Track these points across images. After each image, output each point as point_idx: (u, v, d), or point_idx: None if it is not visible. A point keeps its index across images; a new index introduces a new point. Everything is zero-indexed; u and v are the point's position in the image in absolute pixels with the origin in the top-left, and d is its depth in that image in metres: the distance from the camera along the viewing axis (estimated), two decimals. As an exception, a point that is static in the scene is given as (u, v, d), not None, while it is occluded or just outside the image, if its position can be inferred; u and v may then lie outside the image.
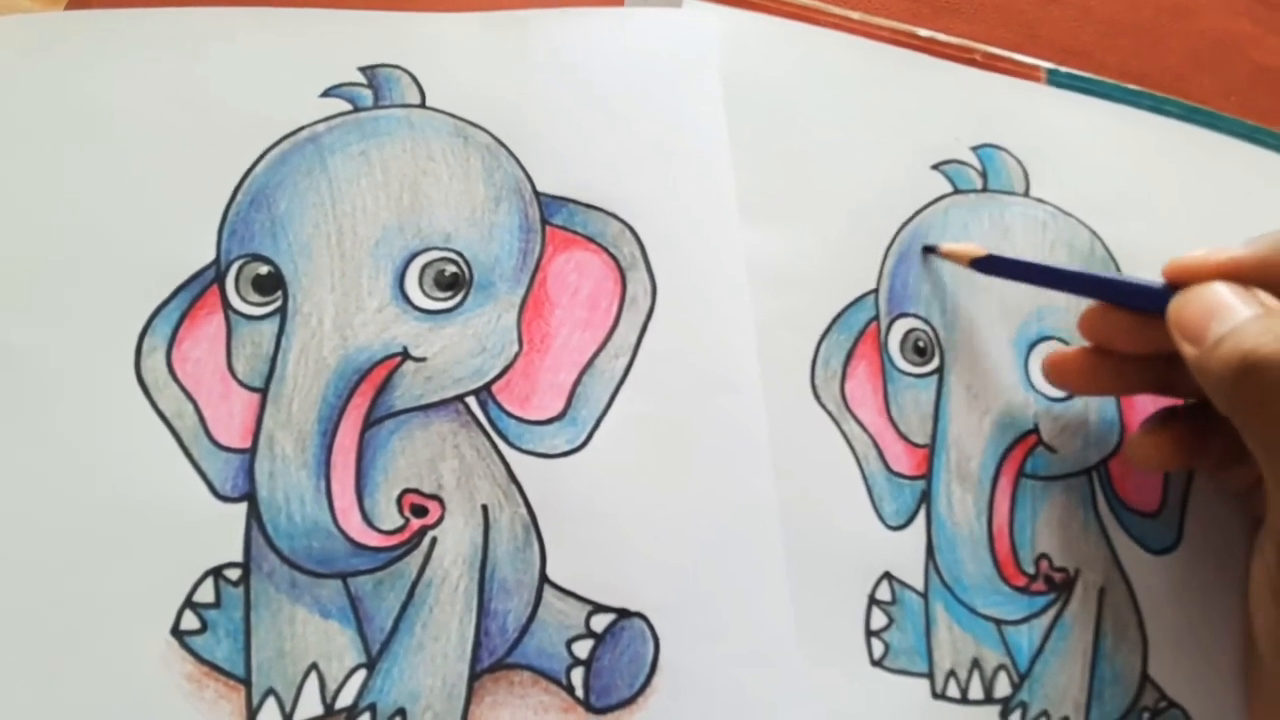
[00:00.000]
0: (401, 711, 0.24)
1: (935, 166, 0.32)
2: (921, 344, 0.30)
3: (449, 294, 0.27)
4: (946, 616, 0.28)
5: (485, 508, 0.26)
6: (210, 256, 0.27)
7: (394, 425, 0.26)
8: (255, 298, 0.26)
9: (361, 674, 0.24)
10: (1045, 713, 0.27)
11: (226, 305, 0.26)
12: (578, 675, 0.25)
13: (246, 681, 0.23)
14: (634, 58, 0.31)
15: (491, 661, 0.25)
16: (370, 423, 0.26)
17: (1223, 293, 0.24)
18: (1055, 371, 0.29)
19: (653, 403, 0.27)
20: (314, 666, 0.24)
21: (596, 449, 0.26)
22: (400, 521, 0.25)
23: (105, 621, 0.23)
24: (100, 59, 0.28)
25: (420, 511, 0.25)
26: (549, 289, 0.28)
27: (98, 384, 0.25)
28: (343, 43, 0.29)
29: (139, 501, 0.24)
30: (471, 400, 0.27)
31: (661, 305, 0.28)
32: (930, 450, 0.29)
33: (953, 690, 0.27)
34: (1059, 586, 0.29)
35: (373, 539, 0.25)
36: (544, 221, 0.29)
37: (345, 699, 0.24)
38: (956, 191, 0.32)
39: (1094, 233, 0.33)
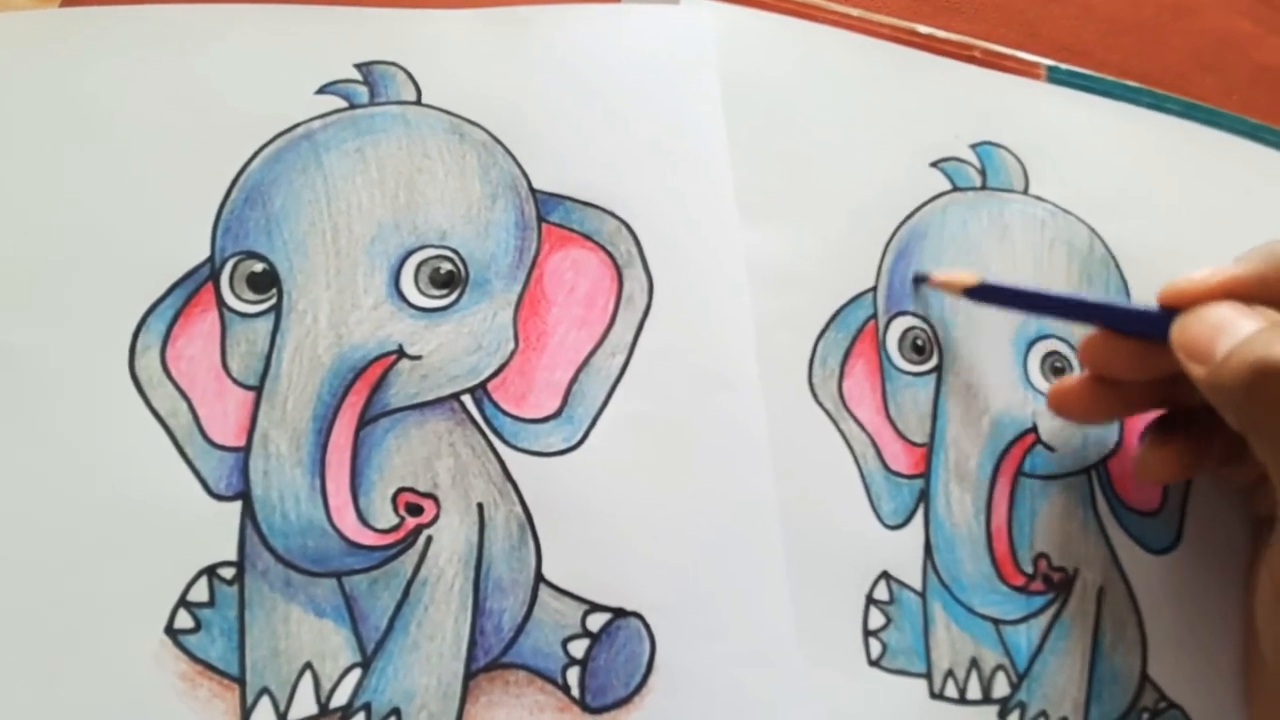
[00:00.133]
0: (396, 711, 0.24)
1: (934, 164, 0.32)
2: (920, 342, 0.30)
3: (444, 292, 0.27)
4: (944, 616, 0.27)
5: (481, 506, 0.26)
6: (205, 254, 0.26)
7: (389, 424, 0.26)
8: (250, 295, 0.26)
9: (356, 673, 0.24)
10: (1044, 713, 0.27)
11: (221, 303, 0.26)
12: (573, 675, 0.25)
13: (241, 681, 0.23)
14: (631, 55, 0.31)
15: (487, 661, 0.24)
16: (365, 421, 0.26)
17: (1226, 311, 0.24)
18: (1059, 403, 0.28)
19: (649, 401, 0.27)
20: (308, 666, 0.24)
21: (593, 448, 0.26)
22: (395, 520, 0.25)
23: (99, 620, 0.23)
24: (94, 56, 0.28)
25: (415, 510, 0.25)
26: (545, 287, 0.28)
27: (92, 382, 0.25)
28: (338, 39, 0.29)
29: (133, 500, 0.24)
30: (467, 398, 0.26)
31: (658, 303, 0.28)
32: (928, 449, 0.29)
33: (951, 690, 0.27)
34: (1058, 586, 0.29)
35: (367, 538, 0.25)
36: (540, 219, 0.28)
37: (340, 698, 0.24)
38: (956, 189, 0.32)
39: (1093, 230, 0.33)
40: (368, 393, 0.26)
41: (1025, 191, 0.33)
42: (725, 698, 0.25)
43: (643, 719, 0.25)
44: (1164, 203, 0.34)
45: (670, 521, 0.26)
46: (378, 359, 0.26)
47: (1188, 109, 0.36)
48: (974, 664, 0.27)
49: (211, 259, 0.26)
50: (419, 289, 0.27)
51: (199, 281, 0.26)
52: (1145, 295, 0.32)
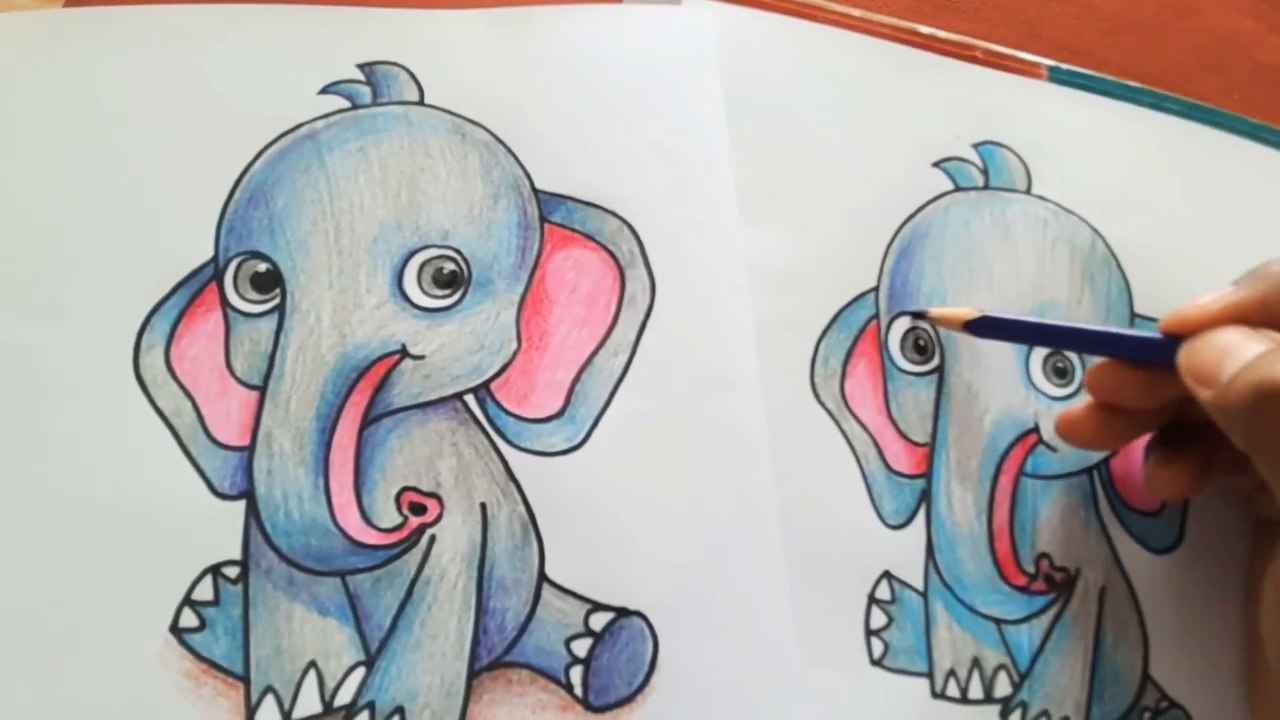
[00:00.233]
0: (400, 709, 0.24)
1: (936, 164, 0.32)
2: (922, 342, 0.30)
3: (447, 291, 0.27)
4: (946, 616, 0.27)
5: (484, 506, 0.26)
6: (208, 254, 0.27)
7: (392, 423, 0.26)
8: (253, 295, 0.26)
9: (360, 672, 0.24)
10: (1045, 712, 0.27)
11: (225, 303, 0.26)
12: (576, 674, 0.25)
13: (245, 679, 0.23)
14: (633, 55, 0.31)
15: (490, 660, 0.25)
16: (368, 420, 0.26)
17: (1232, 335, 0.24)
18: (1067, 431, 0.28)
19: (651, 401, 0.27)
20: (312, 664, 0.24)
21: (595, 447, 0.26)
22: (398, 519, 0.25)
23: (104, 619, 0.23)
24: (98, 57, 0.28)
25: (418, 509, 0.25)
26: (548, 286, 0.28)
27: (96, 382, 0.25)
28: (341, 40, 0.29)
29: (137, 499, 0.24)
30: (470, 398, 0.26)
31: (660, 303, 0.28)
32: (930, 449, 0.29)
33: (952, 690, 0.27)
34: (1059, 586, 0.29)
35: (371, 537, 0.25)
36: (542, 219, 0.28)
37: (344, 697, 0.24)
38: (958, 189, 0.32)
39: (1095, 230, 0.33)
40: (371, 392, 0.26)
41: (1028, 191, 0.33)
42: (726, 697, 0.25)
43: (645, 718, 0.25)
44: (1165, 202, 0.34)
45: (672, 521, 0.26)
46: (381, 359, 0.26)
47: (1189, 109, 0.36)
48: (976, 663, 0.27)
49: (215, 259, 0.27)
50: (422, 289, 0.27)
51: (203, 281, 0.26)
52: (1147, 294, 0.32)
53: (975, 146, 0.33)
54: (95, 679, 0.23)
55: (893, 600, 0.27)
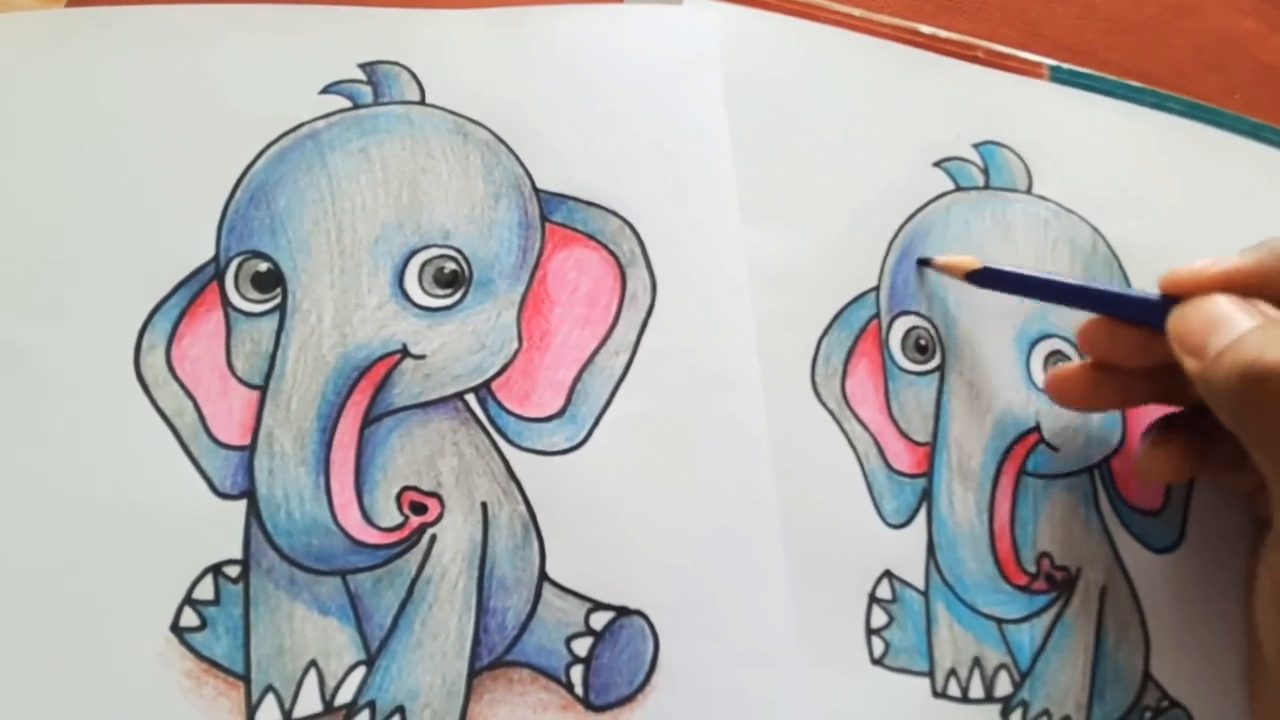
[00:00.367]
0: (400, 709, 0.24)
1: (937, 164, 0.32)
2: (923, 342, 0.30)
3: (448, 291, 0.27)
4: (947, 615, 0.27)
5: (484, 505, 0.26)
6: (209, 253, 0.27)
7: (393, 423, 0.26)
8: (254, 295, 0.26)
9: (361, 671, 0.24)
10: (1046, 712, 0.27)
11: (226, 302, 0.26)
12: (577, 673, 0.25)
13: (246, 678, 0.23)
14: (635, 55, 0.31)
15: (490, 659, 0.25)
16: (369, 420, 0.26)
17: (1223, 304, 0.24)
18: (1057, 389, 0.28)
19: (652, 401, 0.27)
20: (313, 663, 0.24)
21: (596, 446, 0.26)
22: (399, 519, 0.25)
23: (104, 619, 0.23)
24: (99, 57, 0.28)
25: (419, 509, 0.25)
26: (549, 286, 0.28)
27: (97, 382, 0.25)
28: (342, 40, 0.29)
29: (138, 499, 0.24)
30: (471, 398, 0.27)
31: (661, 303, 0.28)
32: (931, 448, 0.29)
33: (953, 689, 0.27)
34: (1060, 585, 0.29)
35: (372, 536, 0.25)
36: (543, 218, 0.28)
37: (344, 696, 0.24)
38: (958, 189, 0.32)
39: (1096, 230, 0.33)
40: (372, 392, 0.26)
41: (1028, 191, 0.33)
42: (727, 696, 0.25)
43: (645, 717, 0.25)
44: (1166, 202, 0.34)
45: (672, 520, 0.26)
46: (382, 358, 0.26)
47: (1190, 108, 0.36)
48: (977, 663, 0.27)
49: (216, 258, 0.27)
50: (423, 288, 0.27)
51: (204, 281, 0.26)
52: (1148, 294, 0.32)
53: (976, 146, 0.33)
54: (96, 678, 0.23)
55: (893, 599, 0.27)
